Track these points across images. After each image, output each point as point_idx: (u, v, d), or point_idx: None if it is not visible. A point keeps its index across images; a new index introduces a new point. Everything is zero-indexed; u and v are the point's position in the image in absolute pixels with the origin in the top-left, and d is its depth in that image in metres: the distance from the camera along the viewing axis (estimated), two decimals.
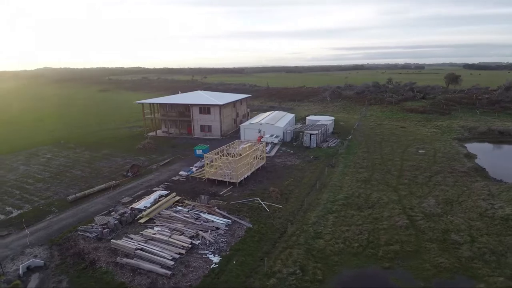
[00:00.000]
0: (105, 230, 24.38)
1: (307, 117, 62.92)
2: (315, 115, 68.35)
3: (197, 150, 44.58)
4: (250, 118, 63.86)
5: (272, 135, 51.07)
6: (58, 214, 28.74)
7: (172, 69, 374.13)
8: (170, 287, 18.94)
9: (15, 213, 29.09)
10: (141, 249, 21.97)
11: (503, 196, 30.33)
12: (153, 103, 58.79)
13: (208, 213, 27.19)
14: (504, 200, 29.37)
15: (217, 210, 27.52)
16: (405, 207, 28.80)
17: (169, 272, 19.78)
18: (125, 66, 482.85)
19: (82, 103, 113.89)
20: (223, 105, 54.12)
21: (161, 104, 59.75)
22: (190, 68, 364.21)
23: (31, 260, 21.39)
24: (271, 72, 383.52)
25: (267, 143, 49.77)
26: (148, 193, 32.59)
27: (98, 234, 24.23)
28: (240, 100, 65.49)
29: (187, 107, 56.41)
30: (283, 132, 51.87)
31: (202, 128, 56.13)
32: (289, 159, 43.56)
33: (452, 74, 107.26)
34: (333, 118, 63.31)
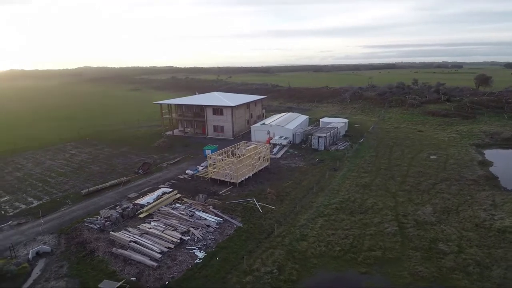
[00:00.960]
0: (107, 223, 26.73)
1: (321, 119, 62.84)
2: (329, 117, 67.98)
3: (206, 150, 46.43)
4: (265, 119, 64.87)
5: (281, 137, 51.84)
6: (71, 206, 31.67)
7: (202, 68, 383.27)
8: (155, 278, 20.67)
9: (35, 203, 32.44)
10: (135, 242, 23.97)
11: (507, 207, 29.16)
12: (170, 104, 61.63)
13: (202, 211, 28.78)
14: (506, 211, 28.28)
15: (211, 208, 29.03)
16: (399, 214, 28.64)
17: (155, 264, 21.55)
18: (157, 65, 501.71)
19: (112, 101, 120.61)
20: (235, 106, 55.65)
21: (177, 105, 62.43)
22: (218, 67, 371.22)
23: (40, 246, 24.11)
24: (298, 71, 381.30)
25: (275, 145, 50.81)
26: (153, 189, 34.84)
27: (101, 226, 26.63)
28: (255, 102, 66.73)
29: (202, 108, 58.59)
30: (293, 134, 52.43)
31: (215, 128, 58.07)
32: (294, 161, 44.19)
33: (483, 75, 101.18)
34: (346, 120, 62.74)
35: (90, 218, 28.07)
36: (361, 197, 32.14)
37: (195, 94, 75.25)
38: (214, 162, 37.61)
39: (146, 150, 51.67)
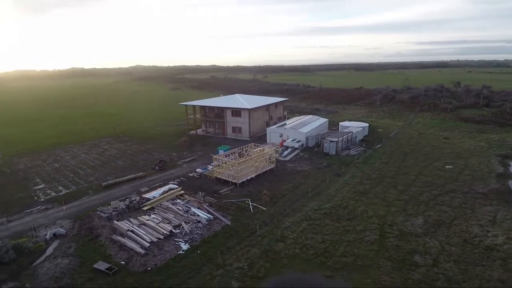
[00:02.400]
0: (113, 213, 30.51)
1: (340, 123, 62.48)
2: (349, 120, 67.11)
3: (219, 150, 49.23)
4: (285, 121, 66.01)
5: (294, 140, 52.89)
6: (91, 196, 36.26)
7: (244, 67, 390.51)
8: (140, 264, 23.67)
9: (63, 192, 37.61)
10: (132, 231, 27.29)
11: (506, 224, 27.81)
12: (194, 105, 65.55)
13: (197, 208, 31.43)
14: (503, 229, 27.05)
15: (205, 206, 31.57)
16: (386, 223, 28.72)
17: (143, 252, 24.57)
18: (202, 64, 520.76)
19: (152, 99, 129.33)
20: (252, 109, 57.78)
21: (201, 106, 66.11)
22: (259, 66, 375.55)
23: (57, 229, 28.48)
24: (340, 69, 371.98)
25: (287, 147, 52.04)
26: (163, 185, 38.35)
27: (108, 215, 30.48)
28: (275, 104, 68.24)
29: (222, 109, 61.58)
30: (306, 138, 53.18)
31: (234, 129, 60.76)
32: (300, 165, 45.18)
33: None
34: (366, 125, 61.69)
35: (102, 208, 32.14)
36: (354, 204, 32.51)
37: (220, 96, 78.64)
38: (222, 163, 40.13)
39: (168, 147, 55.93)
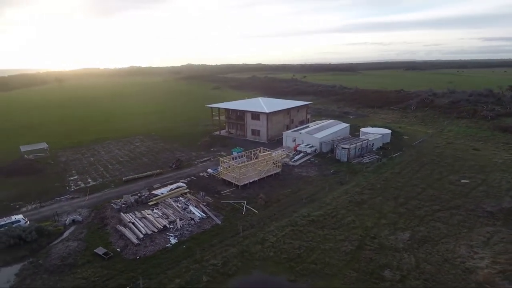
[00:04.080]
0: (123, 205, 34.70)
1: (361, 129, 61.35)
2: (372, 126, 65.31)
3: (233, 152, 51.91)
4: (308, 124, 66.51)
5: (307, 145, 53.52)
6: (112, 189, 41.16)
7: (287, 65, 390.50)
8: (132, 252, 27.15)
9: (91, 183, 43.16)
10: (133, 223, 31.04)
11: (499, 247, 26.43)
12: (218, 107, 69.03)
13: (195, 206, 34.35)
14: (494, 252, 25.82)
15: (201, 205, 34.36)
16: (369, 235, 28.89)
17: (136, 242, 28.05)
18: (247, 63, 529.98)
19: (192, 98, 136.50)
20: (270, 113, 59.45)
21: (225, 109, 69.32)
22: (302, 65, 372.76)
23: (75, 216, 33.34)
24: (389, 68, 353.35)
25: (300, 152, 52.93)
26: (174, 183, 42.02)
27: (119, 207, 34.74)
28: (297, 108, 68.98)
29: (243, 112, 64.13)
30: (320, 143, 53.49)
31: (253, 132, 63.01)
32: (307, 171, 45.92)
33: None
34: (389, 131, 59.78)
35: (115, 200, 36.59)
36: (345, 214, 32.90)
37: (245, 98, 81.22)
38: (228, 165, 42.73)
39: (190, 147, 60.01)
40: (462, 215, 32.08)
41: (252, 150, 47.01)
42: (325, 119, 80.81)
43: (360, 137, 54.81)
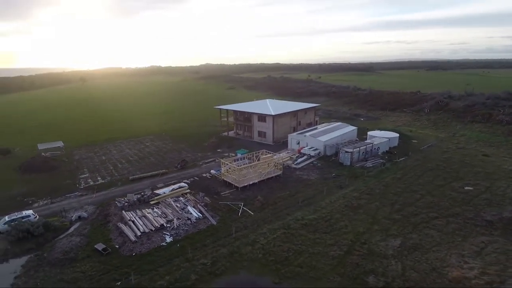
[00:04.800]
0: (126, 204, 36.42)
1: (368, 132, 60.85)
2: (380, 130, 64.51)
3: (238, 153, 52.90)
4: (317, 126, 66.61)
5: (311, 148, 53.76)
6: (118, 187, 43.10)
7: (309, 65, 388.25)
8: (128, 249, 28.64)
9: (99, 181, 45.34)
10: (132, 221, 32.62)
11: (490, 258, 26.07)
12: (226, 109, 70.25)
13: (193, 207, 35.58)
14: (485, 262, 25.50)
15: (199, 205, 35.54)
16: (359, 240, 29.10)
17: (134, 239, 29.54)
18: (265, 62, 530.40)
19: (205, 99, 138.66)
20: (276, 115, 60.04)
21: (234, 110, 70.42)
22: (319, 64, 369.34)
23: (81, 212, 35.33)
24: (410, 68, 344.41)
25: (304, 155, 53.26)
26: (177, 183, 43.48)
27: (122, 206, 36.49)
28: (305, 110, 69.14)
29: (250, 114, 65.01)
30: (324, 146, 53.58)
31: (259, 133, 63.80)
32: (309, 174, 46.25)
33: None
34: (396, 135, 59.01)
35: (119, 198, 38.41)
36: (339, 218, 33.16)
37: (254, 100, 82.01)
38: (231, 167, 43.77)
39: (197, 147, 61.51)
40: (459, 224, 31.65)
41: (255, 152, 47.82)
42: (334, 121, 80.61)
43: (365, 141, 54.44)
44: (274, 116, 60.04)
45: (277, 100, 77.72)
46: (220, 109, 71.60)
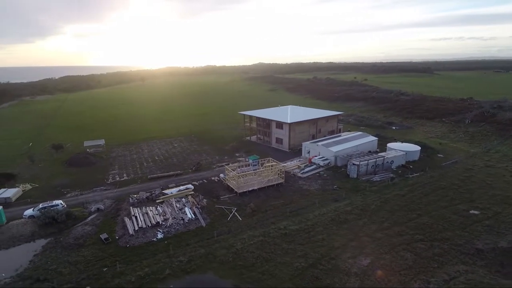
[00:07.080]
0: (136, 201, 41.69)
1: (388, 144, 59.04)
2: (402, 142, 61.82)
3: (250, 159, 55.74)
4: (341, 133, 66.52)
5: (321, 158, 54.30)
6: (137, 185, 48.93)
7: (358, 64, 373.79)
8: (125, 241, 33.43)
9: (124, 178, 51.72)
10: (135, 217, 37.56)
11: None
12: (249, 115, 73.32)
13: (190, 208, 39.44)
14: None
15: (194, 208, 39.24)
16: (329, 255, 30.08)
17: (131, 233, 34.30)
18: (318, 61, 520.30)
19: (245, 101, 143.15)
20: (292, 123, 61.48)
21: (256, 116, 73.21)
22: (373, 63, 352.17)
23: (99, 205, 41.41)
24: (477, 69, 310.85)
25: (313, 164, 54.12)
26: (186, 184, 47.88)
27: (132, 202, 41.84)
28: (327, 117, 69.16)
29: (270, 121, 67.25)
30: (335, 157, 53.75)
31: (277, 140, 65.76)
32: (311, 184, 47.22)
33: None
34: (418, 148, 56.45)
35: (133, 195, 43.90)
36: (320, 231, 34.22)
37: (278, 106, 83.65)
38: (233, 174, 46.92)
39: (218, 150, 65.67)
40: (442, 249, 30.70)
41: (261, 160, 50.22)
42: (363, 128, 79.03)
43: (378, 154, 53.27)
44: (290, 124, 61.57)
45: (299, 107, 78.53)
46: (244, 114, 74.90)
